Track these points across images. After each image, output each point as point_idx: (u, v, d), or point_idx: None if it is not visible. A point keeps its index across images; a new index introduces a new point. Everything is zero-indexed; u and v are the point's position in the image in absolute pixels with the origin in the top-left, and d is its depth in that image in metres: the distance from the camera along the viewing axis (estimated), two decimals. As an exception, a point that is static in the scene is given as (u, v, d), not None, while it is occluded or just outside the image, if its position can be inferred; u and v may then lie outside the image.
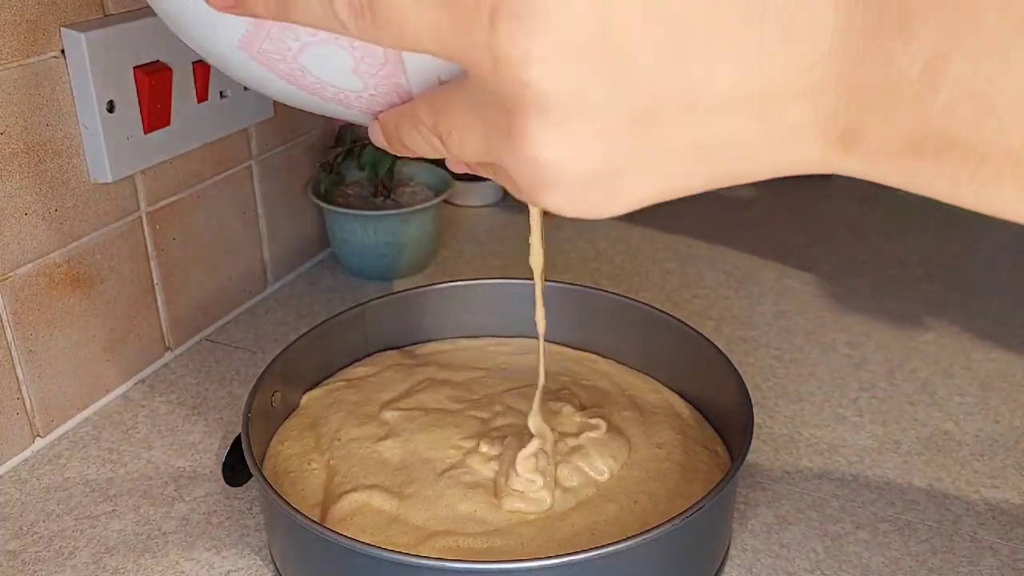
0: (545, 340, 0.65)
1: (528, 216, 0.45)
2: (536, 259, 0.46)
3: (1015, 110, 0.20)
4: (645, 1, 0.22)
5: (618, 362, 0.63)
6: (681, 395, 0.60)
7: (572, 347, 0.65)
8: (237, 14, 0.29)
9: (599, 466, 0.51)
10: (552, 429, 0.53)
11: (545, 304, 0.64)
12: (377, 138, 0.33)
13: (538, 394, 0.49)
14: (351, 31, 0.26)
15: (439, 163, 0.81)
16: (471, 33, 0.23)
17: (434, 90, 0.29)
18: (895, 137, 0.22)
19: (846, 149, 0.23)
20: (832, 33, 0.22)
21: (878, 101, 0.22)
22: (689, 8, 0.22)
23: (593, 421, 0.54)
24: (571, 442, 0.52)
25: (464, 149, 0.28)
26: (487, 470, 0.51)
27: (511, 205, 0.94)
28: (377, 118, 0.32)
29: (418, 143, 0.30)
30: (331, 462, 0.53)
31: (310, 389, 0.59)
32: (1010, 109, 0.20)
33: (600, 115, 0.24)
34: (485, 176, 0.30)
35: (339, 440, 0.54)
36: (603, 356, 0.64)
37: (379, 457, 0.53)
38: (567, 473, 0.50)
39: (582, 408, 0.56)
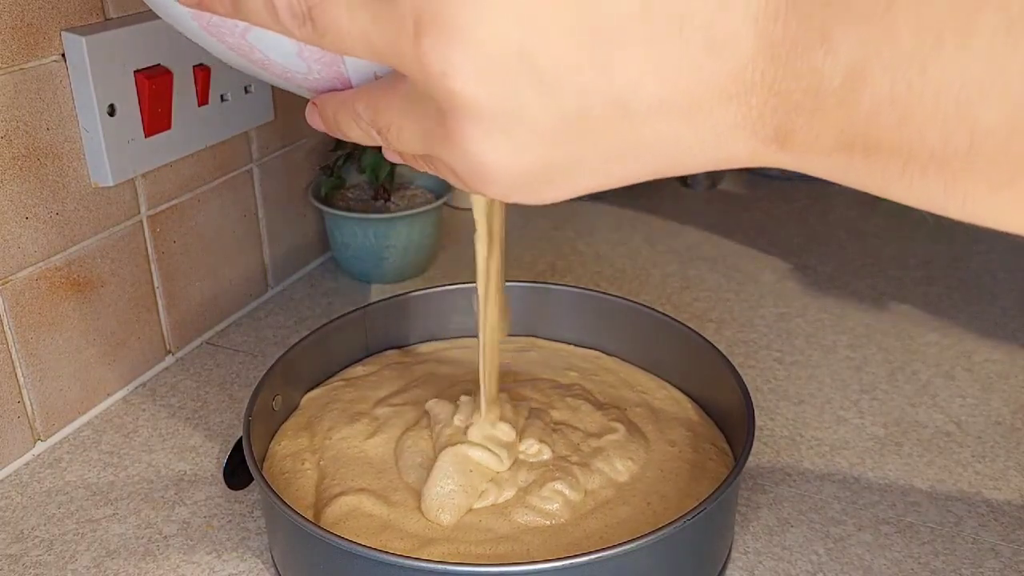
0: (547, 339, 0.65)
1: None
2: (481, 245, 0.45)
3: (933, 116, 0.21)
4: (568, 13, 0.23)
5: (622, 359, 0.63)
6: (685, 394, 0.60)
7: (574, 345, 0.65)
8: (196, 9, 0.30)
9: (619, 467, 0.51)
10: (573, 428, 0.54)
11: (546, 305, 0.65)
12: (313, 120, 0.33)
13: (482, 400, 0.50)
14: (296, 36, 0.27)
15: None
16: (398, 44, 0.24)
17: (372, 86, 0.30)
18: (824, 137, 0.23)
19: (779, 147, 0.24)
20: (754, 43, 0.22)
21: (804, 106, 0.23)
22: (611, 21, 0.23)
23: (613, 424, 0.54)
24: (593, 443, 0.52)
25: (402, 143, 0.29)
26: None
27: (511, 207, 0.94)
28: (315, 102, 0.33)
29: (356, 133, 0.31)
30: (321, 463, 0.53)
31: (310, 390, 0.59)
32: (928, 115, 0.21)
33: (531, 120, 0.24)
34: (421, 169, 0.31)
35: (330, 439, 0.54)
36: (607, 354, 0.64)
37: (365, 457, 0.52)
38: (588, 477, 0.50)
39: (600, 406, 0.56)
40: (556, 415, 0.55)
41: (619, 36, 0.23)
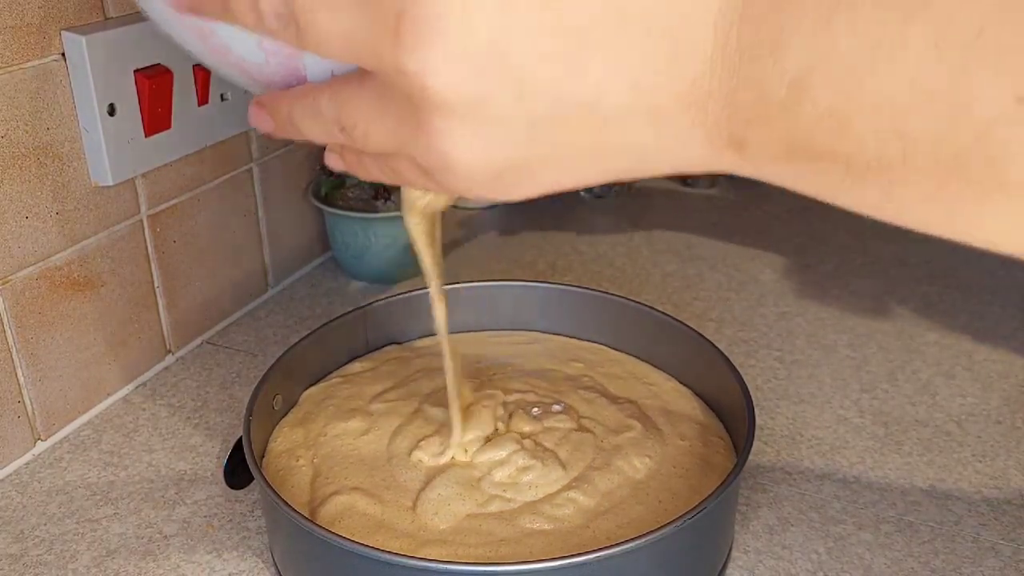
0: (549, 334, 0.65)
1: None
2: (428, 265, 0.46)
3: (869, 126, 0.22)
4: (542, 16, 0.24)
5: (627, 353, 0.63)
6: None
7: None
8: (188, 14, 0.30)
9: (636, 465, 0.51)
10: (590, 418, 0.54)
11: (547, 304, 0.65)
12: (260, 119, 0.33)
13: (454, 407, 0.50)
14: (279, 37, 0.28)
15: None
16: (378, 42, 0.25)
17: (337, 82, 0.30)
18: (772, 144, 0.24)
19: (734, 153, 0.25)
20: (711, 52, 0.24)
21: (755, 114, 0.24)
22: (583, 23, 0.24)
23: (630, 421, 0.54)
24: (612, 440, 0.52)
25: (368, 140, 0.29)
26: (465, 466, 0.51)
27: (511, 207, 0.94)
28: (261, 102, 0.33)
29: (314, 131, 0.31)
30: (315, 460, 0.52)
31: (309, 387, 0.59)
32: (865, 125, 0.22)
33: (502, 119, 0.25)
34: (372, 177, 0.32)
35: (324, 436, 0.54)
36: (611, 348, 0.64)
37: (359, 454, 0.52)
38: (608, 479, 0.50)
39: (614, 399, 0.56)
40: (581, 410, 0.55)
41: (591, 38, 0.24)
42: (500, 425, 0.53)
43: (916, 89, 0.21)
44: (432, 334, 0.65)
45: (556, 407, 0.54)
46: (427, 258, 0.46)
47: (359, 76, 0.28)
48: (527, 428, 0.52)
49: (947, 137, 0.21)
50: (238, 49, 0.32)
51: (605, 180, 0.28)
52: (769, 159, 0.24)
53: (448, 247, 0.86)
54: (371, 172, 0.32)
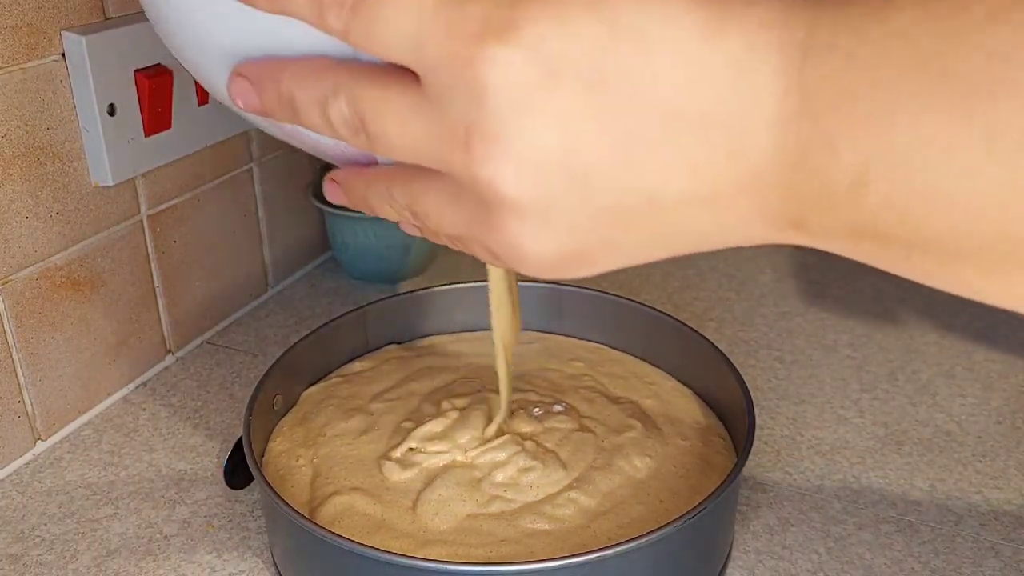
0: (547, 333, 0.65)
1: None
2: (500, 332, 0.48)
3: (927, 215, 0.23)
4: (602, 121, 0.25)
5: (627, 353, 0.63)
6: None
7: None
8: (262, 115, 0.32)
9: (637, 464, 0.51)
10: (591, 418, 0.54)
11: (547, 305, 0.65)
12: (336, 196, 0.35)
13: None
14: (350, 143, 0.30)
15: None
16: (449, 154, 0.27)
17: (406, 173, 0.31)
18: (835, 228, 0.25)
19: (795, 232, 0.26)
20: (771, 148, 0.25)
21: (817, 204, 0.25)
22: (642, 127, 0.25)
23: (630, 421, 0.54)
24: (614, 439, 0.52)
25: (441, 229, 0.31)
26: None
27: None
28: (336, 179, 0.35)
29: (388, 212, 0.33)
30: (314, 460, 0.52)
31: (310, 387, 0.59)
32: (924, 215, 0.23)
33: (570, 215, 0.27)
34: (449, 244, 0.33)
35: (323, 435, 0.54)
36: (611, 348, 0.64)
37: (358, 454, 0.52)
38: (609, 479, 0.50)
39: (615, 399, 0.56)
40: (582, 409, 0.55)
41: (649, 139, 0.25)
42: (501, 427, 0.52)
43: (971, 185, 0.22)
44: (431, 333, 0.65)
45: (557, 407, 0.54)
46: (504, 312, 0.49)
47: (432, 174, 0.30)
48: (527, 429, 0.52)
49: (1003, 228, 0.22)
50: (312, 135, 0.33)
51: (663, 258, 0.29)
52: (832, 239, 0.26)
53: (447, 248, 0.86)
54: (450, 244, 0.34)
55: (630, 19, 0.25)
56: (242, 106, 0.33)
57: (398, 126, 0.28)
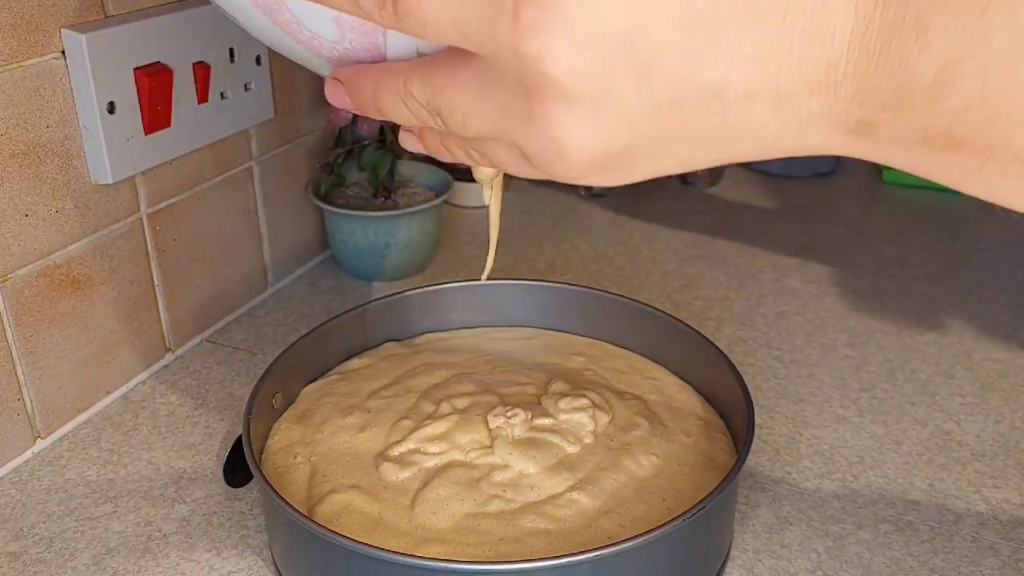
0: (550, 330, 0.65)
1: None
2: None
3: (1022, 119, 0.21)
4: (671, 1, 0.23)
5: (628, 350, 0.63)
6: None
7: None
8: None
9: (643, 463, 0.51)
10: (596, 405, 0.54)
11: (547, 303, 0.65)
12: (337, 95, 0.32)
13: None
14: (374, 19, 0.26)
15: (439, 164, 0.81)
16: (493, 25, 0.24)
17: (430, 63, 0.28)
18: (906, 132, 0.23)
19: (858, 137, 0.24)
20: (851, 34, 0.22)
21: (892, 101, 0.23)
22: (715, 6, 0.23)
23: (637, 419, 0.54)
24: (622, 438, 0.52)
25: (467, 127, 0.28)
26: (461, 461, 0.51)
27: (507, 205, 0.94)
28: (340, 77, 0.31)
29: (400, 113, 0.30)
30: (312, 457, 0.52)
31: (309, 384, 0.59)
32: (1017, 117, 0.21)
33: (624, 105, 0.24)
34: (460, 159, 0.30)
35: (321, 433, 0.54)
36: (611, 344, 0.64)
37: (356, 452, 0.52)
38: (614, 477, 0.49)
39: (620, 395, 0.56)
40: (591, 396, 0.55)
41: (723, 20, 0.23)
42: (503, 429, 0.52)
43: None
44: (430, 331, 0.65)
45: (583, 401, 0.54)
46: (495, 218, 0.46)
47: (456, 58, 0.27)
48: (527, 431, 0.52)
49: None
50: (311, 24, 0.30)
51: (716, 164, 0.27)
52: (900, 146, 0.24)
53: (447, 244, 0.86)
54: (455, 154, 0.30)
55: None
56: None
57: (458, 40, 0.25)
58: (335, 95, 0.32)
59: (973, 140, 0.22)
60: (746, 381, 0.53)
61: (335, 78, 0.32)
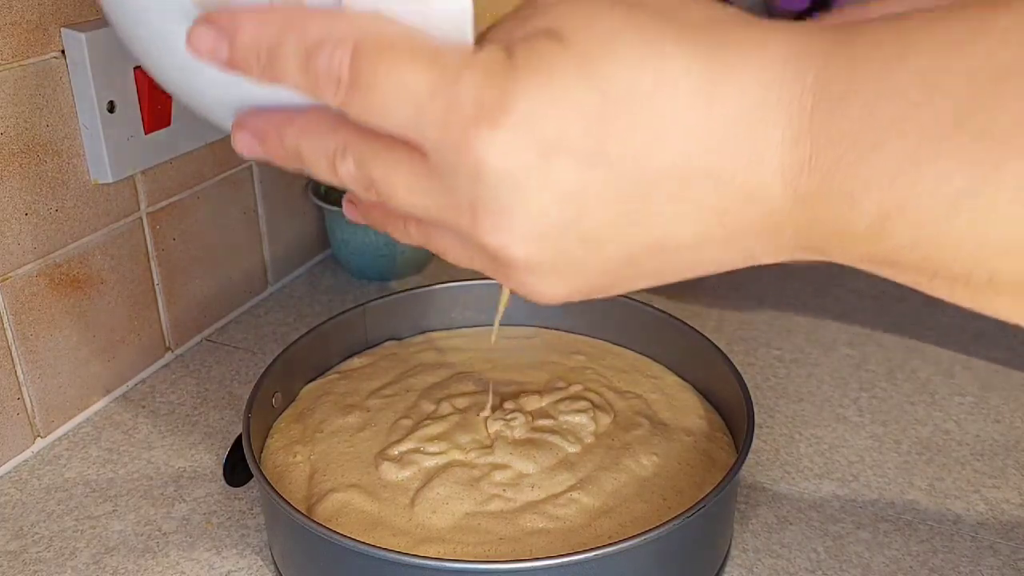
0: (548, 328, 0.65)
1: None
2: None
3: (954, 259, 0.23)
4: (605, 192, 0.26)
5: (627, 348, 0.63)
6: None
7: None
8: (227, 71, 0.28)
9: (644, 463, 0.51)
10: (597, 406, 0.54)
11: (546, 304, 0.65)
12: (244, 143, 0.30)
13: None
14: (362, 196, 0.29)
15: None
16: (457, 220, 0.27)
17: (375, 141, 0.28)
18: (853, 258, 0.26)
19: (813, 256, 0.27)
20: (782, 193, 0.25)
21: (833, 241, 0.25)
22: (648, 191, 0.26)
23: (638, 419, 0.54)
24: (623, 437, 0.52)
25: (451, 260, 0.31)
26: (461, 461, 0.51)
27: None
28: (243, 124, 0.30)
29: (330, 178, 0.29)
30: (312, 456, 0.52)
31: (308, 383, 0.59)
32: (949, 258, 0.23)
33: (580, 267, 0.28)
34: (406, 240, 0.32)
35: (321, 432, 0.54)
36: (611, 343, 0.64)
37: (355, 451, 0.52)
38: (614, 477, 0.50)
39: (621, 394, 0.57)
40: (592, 397, 0.55)
41: (655, 199, 0.26)
42: (502, 432, 0.52)
43: (1005, 234, 0.22)
44: (430, 330, 0.65)
45: (575, 387, 0.54)
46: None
47: (407, 148, 0.27)
48: (528, 432, 0.52)
49: None
50: (248, 85, 0.28)
51: (673, 281, 0.30)
52: (852, 263, 0.26)
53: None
54: (412, 237, 0.32)
55: (623, 87, 0.24)
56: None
57: (407, 192, 0.28)
58: (241, 142, 0.30)
59: (916, 266, 0.24)
60: (746, 381, 0.53)
61: (240, 125, 0.30)
